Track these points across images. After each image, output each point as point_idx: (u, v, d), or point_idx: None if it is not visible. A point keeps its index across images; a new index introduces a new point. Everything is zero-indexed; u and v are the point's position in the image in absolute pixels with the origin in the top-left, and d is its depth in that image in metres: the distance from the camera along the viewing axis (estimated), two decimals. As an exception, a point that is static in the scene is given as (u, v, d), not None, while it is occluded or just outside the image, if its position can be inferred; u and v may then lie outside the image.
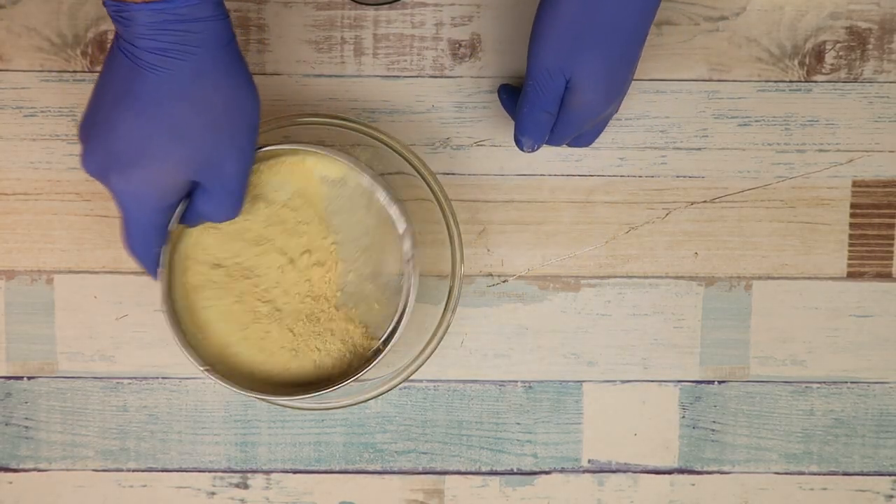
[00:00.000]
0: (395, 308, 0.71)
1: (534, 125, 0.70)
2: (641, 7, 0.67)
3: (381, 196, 0.71)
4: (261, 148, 0.69)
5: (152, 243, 0.67)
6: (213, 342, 0.72)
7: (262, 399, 0.74)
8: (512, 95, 0.74)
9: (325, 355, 0.72)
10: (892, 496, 0.81)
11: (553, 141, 0.72)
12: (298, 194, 0.71)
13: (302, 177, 0.71)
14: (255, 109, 0.65)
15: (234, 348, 0.72)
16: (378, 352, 0.71)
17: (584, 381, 0.80)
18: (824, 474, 0.80)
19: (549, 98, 0.68)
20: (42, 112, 0.77)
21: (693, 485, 0.80)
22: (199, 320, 0.71)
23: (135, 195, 0.64)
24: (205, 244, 0.71)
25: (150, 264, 0.68)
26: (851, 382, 0.80)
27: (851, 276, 0.79)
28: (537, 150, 0.71)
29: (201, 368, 0.70)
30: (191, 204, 0.67)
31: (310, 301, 0.72)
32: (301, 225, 0.71)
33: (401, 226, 0.71)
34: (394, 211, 0.71)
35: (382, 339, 0.72)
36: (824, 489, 0.80)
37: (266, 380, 0.72)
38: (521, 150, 0.71)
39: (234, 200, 0.67)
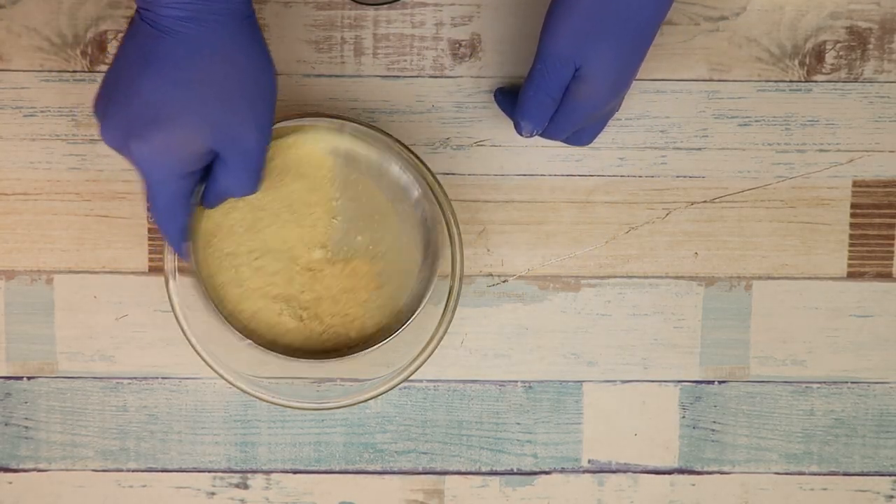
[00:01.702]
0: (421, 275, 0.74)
1: (537, 109, 0.69)
2: (657, 0, 0.67)
3: (394, 167, 0.73)
4: (280, 122, 0.70)
5: (178, 214, 0.66)
6: (243, 314, 0.74)
7: (264, 400, 0.75)
8: (508, 96, 0.74)
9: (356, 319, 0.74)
10: (892, 496, 0.81)
11: (552, 132, 0.71)
12: (311, 167, 0.73)
13: (314, 152, 0.73)
14: (273, 85, 0.65)
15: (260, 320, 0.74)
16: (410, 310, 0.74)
17: (584, 381, 0.80)
18: (824, 474, 0.80)
19: (556, 84, 0.68)
20: (42, 112, 0.77)
21: (693, 485, 0.80)
22: (226, 296, 0.73)
23: (156, 161, 0.63)
24: (221, 225, 0.73)
25: (177, 237, 0.68)
26: (851, 382, 0.80)
27: (851, 276, 0.79)
28: (535, 135, 0.71)
29: (245, 342, 0.72)
30: (211, 178, 0.67)
31: (330, 268, 0.74)
32: (314, 196, 0.73)
33: (415, 192, 0.74)
34: (407, 179, 0.73)
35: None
36: (824, 489, 0.80)
37: (300, 346, 0.74)
38: (520, 133, 0.71)
39: (254, 173, 0.67)
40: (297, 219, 0.73)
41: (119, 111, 0.62)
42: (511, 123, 0.78)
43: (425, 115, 0.78)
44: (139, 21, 0.62)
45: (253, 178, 0.67)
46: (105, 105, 0.63)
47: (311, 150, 0.73)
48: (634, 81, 0.77)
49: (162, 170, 0.64)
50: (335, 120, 0.72)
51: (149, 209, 0.66)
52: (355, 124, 0.72)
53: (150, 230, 0.78)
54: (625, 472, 0.80)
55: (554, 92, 0.69)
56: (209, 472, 0.80)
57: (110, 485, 0.80)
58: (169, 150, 0.63)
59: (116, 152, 0.64)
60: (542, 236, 0.79)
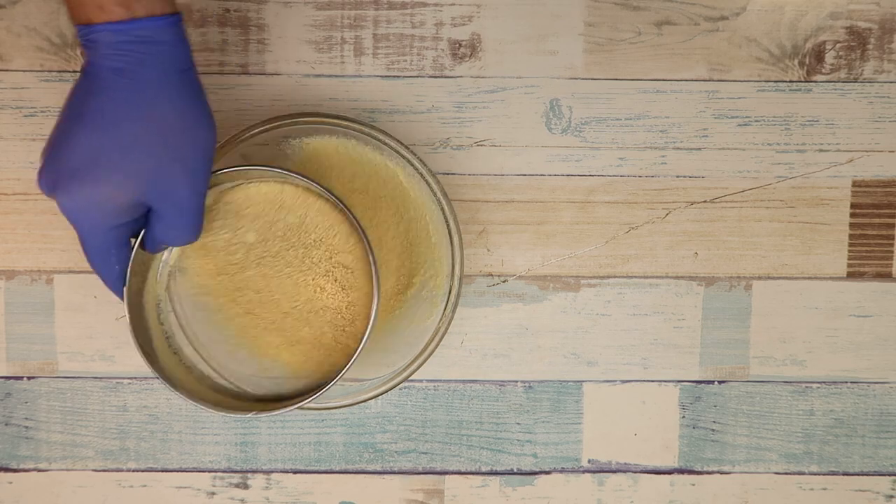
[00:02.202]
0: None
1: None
2: None
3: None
4: (217, 171, 0.69)
5: (110, 262, 0.67)
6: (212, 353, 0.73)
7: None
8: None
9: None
10: (892, 496, 0.81)
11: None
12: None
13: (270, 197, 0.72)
14: (207, 135, 0.65)
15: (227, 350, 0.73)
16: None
17: (584, 381, 0.80)
18: (824, 474, 0.80)
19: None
20: (42, 112, 0.77)
21: (693, 485, 0.80)
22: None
23: (81, 212, 0.63)
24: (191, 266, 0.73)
25: (114, 283, 0.68)
26: (851, 382, 0.80)
27: (851, 276, 0.79)
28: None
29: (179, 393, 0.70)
30: (147, 227, 0.67)
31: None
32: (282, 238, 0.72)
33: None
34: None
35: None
36: (824, 489, 0.80)
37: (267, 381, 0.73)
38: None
39: (189, 224, 0.66)
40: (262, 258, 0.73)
41: (50, 162, 0.63)
42: (511, 123, 0.78)
43: (425, 115, 0.78)
44: (83, 73, 0.63)
45: (189, 230, 0.67)
46: (44, 153, 0.64)
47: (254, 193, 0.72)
48: (634, 81, 0.78)
49: (88, 222, 0.64)
50: (280, 172, 0.70)
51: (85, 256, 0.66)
52: (300, 178, 0.70)
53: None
54: (625, 472, 0.80)
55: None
56: (209, 471, 0.80)
57: (110, 485, 0.80)
58: (94, 205, 0.63)
59: (49, 198, 0.64)
60: (542, 236, 0.79)
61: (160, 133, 0.63)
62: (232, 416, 0.70)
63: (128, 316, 0.68)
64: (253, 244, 0.72)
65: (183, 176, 0.64)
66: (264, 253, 0.72)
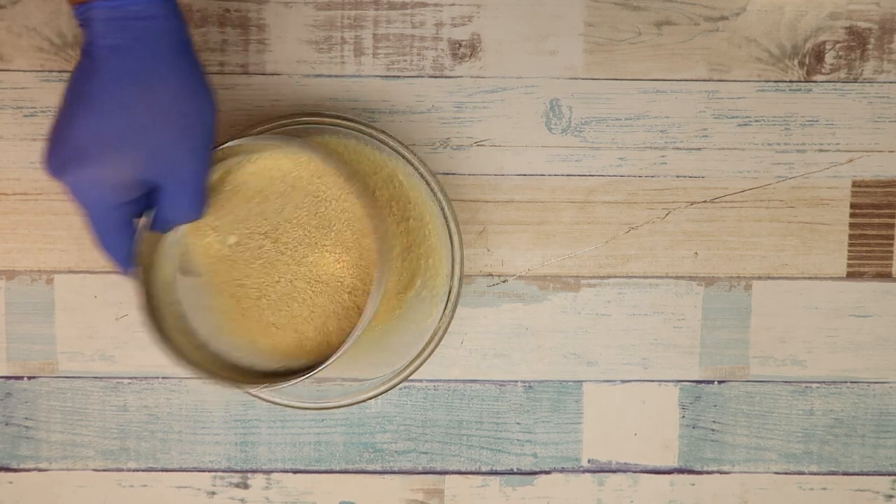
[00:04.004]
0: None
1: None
2: None
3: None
4: (218, 146, 0.69)
5: (119, 242, 0.67)
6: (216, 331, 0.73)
7: (264, 400, 0.75)
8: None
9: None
10: (892, 496, 0.81)
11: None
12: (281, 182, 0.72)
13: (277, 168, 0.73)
14: (207, 111, 0.65)
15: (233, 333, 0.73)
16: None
17: (584, 381, 0.80)
18: (824, 474, 0.80)
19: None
20: (42, 112, 0.77)
21: (693, 485, 0.80)
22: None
23: (89, 191, 0.64)
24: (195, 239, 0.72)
25: (122, 263, 0.68)
26: (851, 382, 0.80)
27: (851, 276, 0.79)
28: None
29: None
30: (156, 207, 0.67)
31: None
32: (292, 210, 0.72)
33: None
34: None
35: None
36: (824, 489, 0.81)
37: (281, 358, 0.73)
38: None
39: (193, 200, 0.67)
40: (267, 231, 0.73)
41: (55, 145, 0.63)
42: (511, 123, 0.78)
43: (425, 115, 0.78)
44: (81, 55, 0.63)
45: (193, 206, 0.67)
46: (49, 137, 0.64)
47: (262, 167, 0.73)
48: (634, 81, 0.78)
49: (95, 202, 0.65)
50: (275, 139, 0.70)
51: (90, 236, 0.66)
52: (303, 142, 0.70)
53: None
54: (625, 471, 0.80)
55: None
56: (209, 471, 0.80)
57: (110, 485, 0.80)
58: (100, 183, 0.64)
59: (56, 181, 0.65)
60: (542, 236, 0.79)
61: (161, 108, 0.63)
62: (246, 389, 0.70)
63: (140, 296, 0.68)
64: (259, 221, 0.72)
65: (186, 150, 0.65)
66: (272, 229, 0.72)
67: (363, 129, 0.74)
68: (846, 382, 0.80)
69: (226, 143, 0.69)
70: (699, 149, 0.78)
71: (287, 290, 0.73)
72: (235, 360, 0.73)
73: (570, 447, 0.80)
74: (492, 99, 0.77)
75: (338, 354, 0.68)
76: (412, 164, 0.74)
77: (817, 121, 0.78)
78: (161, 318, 0.70)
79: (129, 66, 0.63)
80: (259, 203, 0.72)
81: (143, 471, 0.80)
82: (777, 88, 0.78)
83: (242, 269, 0.73)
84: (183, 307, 0.73)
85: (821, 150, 0.78)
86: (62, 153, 0.63)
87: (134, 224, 0.67)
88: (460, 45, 0.77)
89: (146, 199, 0.67)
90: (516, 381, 0.80)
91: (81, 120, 0.62)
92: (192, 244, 0.73)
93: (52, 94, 0.77)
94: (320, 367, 0.68)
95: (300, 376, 0.69)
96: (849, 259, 0.79)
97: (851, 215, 0.79)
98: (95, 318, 0.78)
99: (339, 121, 0.74)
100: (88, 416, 0.79)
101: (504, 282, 0.79)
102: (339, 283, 0.72)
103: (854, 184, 0.79)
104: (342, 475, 0.80)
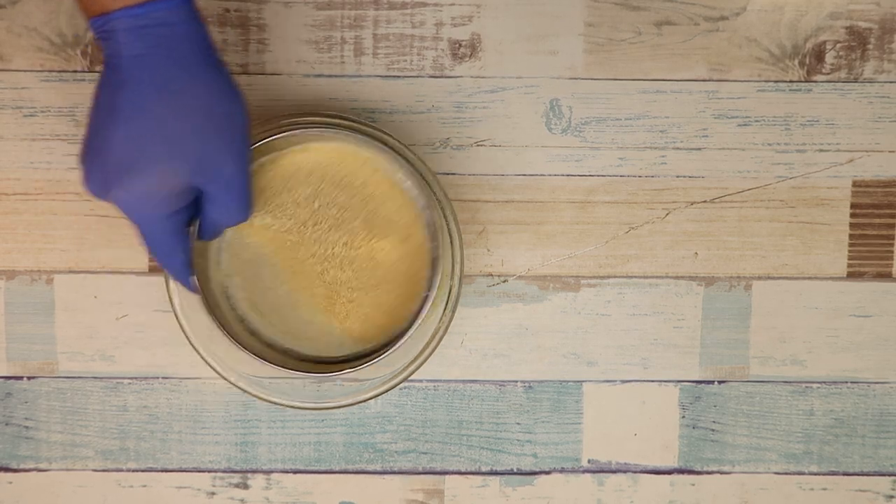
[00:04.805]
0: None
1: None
2: None
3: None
4: (256, 143, 0.70)
5: (175, 252, 0.67)
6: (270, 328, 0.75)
7: (264, 400, 0.75)
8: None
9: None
10: (892, 496, 0.81)
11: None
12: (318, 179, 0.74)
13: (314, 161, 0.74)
14: (240, 111, 0.65)
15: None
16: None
17: (584, 381, 0.80)
18: (824, 474, 0.80)
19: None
20: (42, 112, 0.77)
21: (693, 485, 0.80)
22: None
23: (139, 207, 0.64)
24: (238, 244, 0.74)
25: (181, 273, 0.69)
26: (851, 382, 0.80)
27: (851, 276, 0.79)
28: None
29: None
30: (202, 213, 0.67)
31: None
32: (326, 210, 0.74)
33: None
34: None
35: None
36: (824, 489, 0.80)
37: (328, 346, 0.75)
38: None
39: (240, 202, 0.67)
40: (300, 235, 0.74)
41: (94, 163, 0.63)
42: (511, 123, 0.78)
43: (425, 115, 0.78)
44: (105, 68, 0.63)
45: (241, 207, 0.67)
46: (83, 157, 0.64)
47: (294, 161, 0.74)
48: (634, 81, 0.78)
49: (147, 214, 0.65)
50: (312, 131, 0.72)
51: (147, 251, 0.67)
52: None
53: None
54: (625, 472, 0.80)
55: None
56: (209, 472, 0.80)
57: (110, 485, 0.80)
58: (148, 196, 0.64)
59: (102, 201, 0.65)
60: (542, 236, 0.79)
61: (194, 113, 0.63)
62: (327, 376, 0.73)
63: (204, 307, 0.70)
64: (304, 212, 0.73)
65: (226, 153, 0.65)
66: (318, 220, 0.74)
67: (363, 129, 0.74)
68: (846, 382, 0.80)
69: (264, 139, 0.70)
70: (699, 149, 0.78)
71: (340, 273, 0.74)
72: (302, 352, 0.75)
73: (570, 447, 0.80)
74: (492, 99, 0.77)
75: (409, 334, 0.71)
76: (412, 164, 0.74)
77: (817, 121, 0.78)
78: (226, 323, 0.72)
79: (158, 75, 0.62)
80: (300, 191, 0.74)
81: (142, 471, 0.80)
82: (777, 88, 0.78)
83: (294, 257, 0.74)
84: (244, 310, 0.75)
85: (821, 150, 0.78)
86: (103, 171, 0.63)
87: (187, 234, 0.68)
88: (460, 45, 0.77)
89: (194, 207, 0.67)
90: (516, 381, 0.80)
91: (117, 134, 0.62)
92: (243, 243, 0.74)
93: (52, 94, 0.77)
94: (383, 355, 0.71)
95: (367, 361, 0.72)
96: (849, 259, 0.79)
97: (852, 215, 0.79)
98: (95, 318, 0.78)
99: (339, 121, 0.74)
100: (88, 417, 0.79)
101: (504, 282, 0.79)
102: (392, 265, 0.74)
103: (854, 184, 0.78)
104: (342, 475, 0.80)
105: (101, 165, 0.63)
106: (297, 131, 0.71)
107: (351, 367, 0.72)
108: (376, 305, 0.74)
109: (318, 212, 0.74)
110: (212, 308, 0.71)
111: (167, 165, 0.63)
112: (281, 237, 0.74)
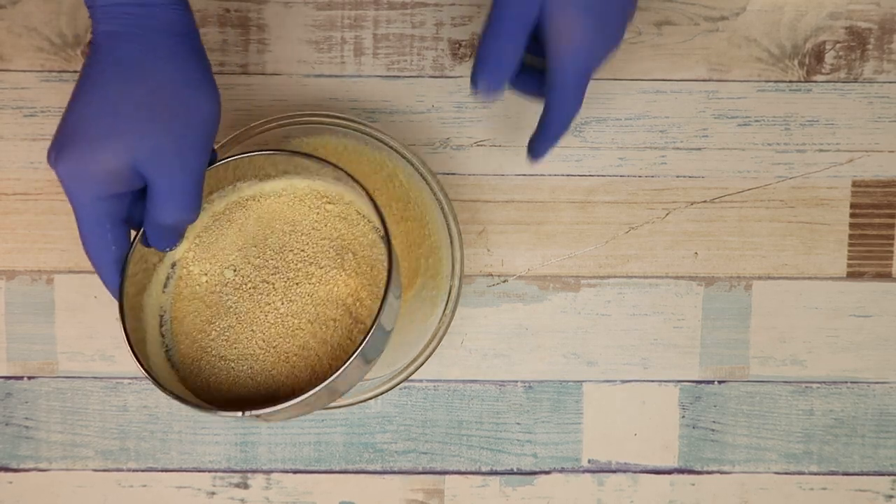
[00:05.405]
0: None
1: (495, 58, 0.63)
2: None
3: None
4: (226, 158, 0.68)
5: (105, 243, 0.64)
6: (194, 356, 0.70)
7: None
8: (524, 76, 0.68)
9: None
10: (892, 496, 0.81)
11: (546, 135, 0.67)
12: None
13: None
14: (209, 106, 0.63)
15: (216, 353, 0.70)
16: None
17: (584, 381, 0.80)
18: (824, 474, 0.80)
19: (517, 25, 0.62)
20: (42, 112, 0.77)
21: (693, 485, 0.80)
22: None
23: (73, 179, 0.61)
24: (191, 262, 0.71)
25: (107, 271, 0.65)
26: (851, 382, 0.80)
27: (851, 276, 0.79)
28: (496, 97, 0.65)
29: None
30: (146, 210, 0.64)
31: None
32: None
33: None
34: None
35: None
36: (824, 489, 0.80)
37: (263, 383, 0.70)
38: (476, 91, 0.65)
39: (185, 199, 0.63)
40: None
41: (55, 135, 0.62)
42: (511, 123, 0.78)
43: (425, 115, 0.78)
44: (90, 46, 0.63)
45: (183, 204, 0.63)
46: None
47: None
48: (634, 81, 0.77)
49: (81, 193, 0.62)
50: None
51: (80, 238, 0.64)
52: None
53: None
54: (625, 471, 0.80)
55: (516, 34, 0.62)
56: (209, 471, 0.80)
57: (110, 485, 0.80)
58: (85, 170, 0.61)
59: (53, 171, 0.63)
60: (542, 236, 0.79)
61: (153, 96, 0.61)
62: (224, 416, 0.66)
63: (119, 309, 0.66)
64: (257, 246, 0.71)
65: (180, 143, 0.62)
66: (271, 266, 0.70)
67: (363, 129, 0.74)
68: (846, 382, 0.80)
69: (230, 156, 0.67)
70: (699, 149, 0.78)
71: (286, 314, 0.70)
72: (212, 384, 0.70)
73: (570, 447, 0.80)
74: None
75: (317, 389, 0.64)
76: (412, 164, 0.74)
77: (817, 121, 0.78)
78: (143, 339, 0.68)
79: (125, 52, 0.61)
80: (256, 222, 0.71)
81: (142, 471, 0.80)
82: (777, 88, 0.78)
83: (239, 295, 0.70)
84: (172, 342, 0.70)
85: (821, 150, 0.78)
86: (55, 141, 0.62)
87: (124, 230, 0.64)
88: (460, 45, 0.77)
89: (138, 208, 0.64)
90: (516, 381, 0.80)
91: (74, 108, 0.62)
92: (187, 272, 0.71)
93: (52, 94, 0.77)
94: (304, 396, 0.64)
95: (285, 402, 0.64)
96: (849, 259, 0.79)
97: (851, 215, 0.79)
98: (95, 318, 0.78)
99: (339, 121, 0.74)
100: (88, 417, 0.79)
101: (504, 282, 0.79)
102: (346, 309, 0.69)
103: (854, 184, 0.79)
104: (342, 475, 0.80)
105: (56, 137, 0.62)
106: (267, 152, 0.68)
107: (254, 409, 0.64)
108: (318, 342, 0.69)
109: (268, 258, 0.70)
110: (124, 317, 0.66)
111: (108, 142, 0.61)
112: (233, 282, 0.70)
